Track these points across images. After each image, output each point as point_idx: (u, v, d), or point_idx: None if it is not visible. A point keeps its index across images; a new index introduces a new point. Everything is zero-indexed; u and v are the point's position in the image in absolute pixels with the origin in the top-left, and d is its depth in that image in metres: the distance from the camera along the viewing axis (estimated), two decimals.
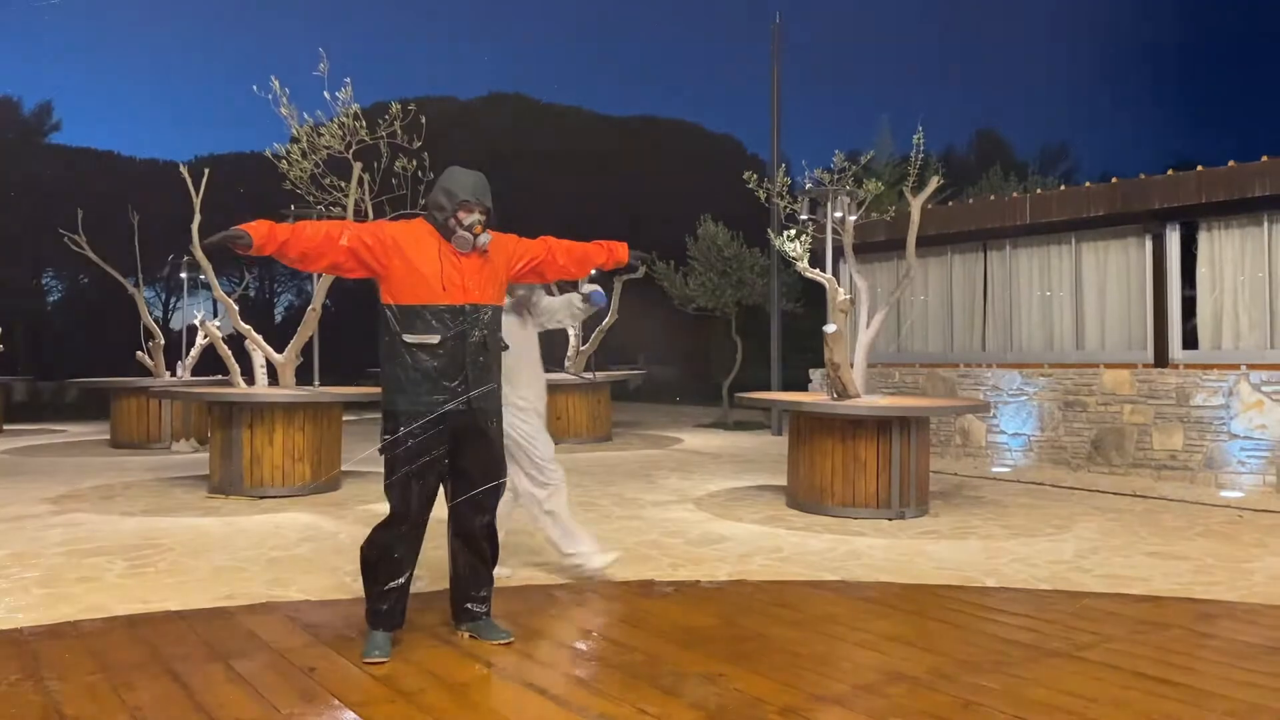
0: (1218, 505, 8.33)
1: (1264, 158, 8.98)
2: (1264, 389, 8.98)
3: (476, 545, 4.32)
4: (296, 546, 6.48)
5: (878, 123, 25.24)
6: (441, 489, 4.28)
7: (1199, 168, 9.47)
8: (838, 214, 8.52)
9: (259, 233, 3.94)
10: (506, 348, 4.31)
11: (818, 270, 8.34)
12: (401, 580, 4.13)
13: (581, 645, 4.30)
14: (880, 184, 9.02)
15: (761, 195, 9.45)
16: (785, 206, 9.50)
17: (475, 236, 4.10)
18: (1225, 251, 9.55)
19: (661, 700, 3.54)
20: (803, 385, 13.11)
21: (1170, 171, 9.68)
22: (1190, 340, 9.82)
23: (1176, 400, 9.56)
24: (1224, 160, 9.22)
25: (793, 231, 8.27)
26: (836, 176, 8.78)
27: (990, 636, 4.40)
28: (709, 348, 23.58)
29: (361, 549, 4.18)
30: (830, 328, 7.84)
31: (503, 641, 4.19)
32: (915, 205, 8.62)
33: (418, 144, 8.21)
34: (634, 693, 3.62)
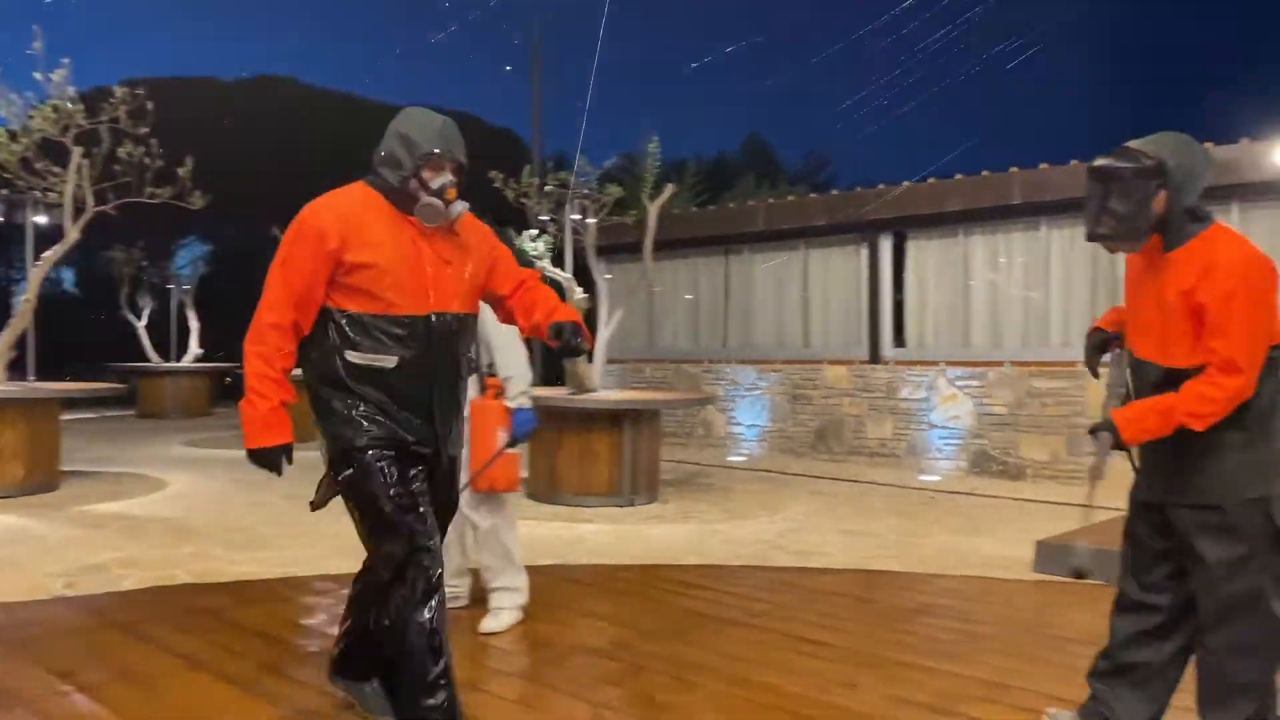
0: (916, 488, 9.24)
1: (958, 175, 10.04)
2: (958, 383, 10.03)
3: None
4: None
5: (644, 128, 26.06)
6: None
7: (905, 183, 10.47)
8: (575, 215, 8.86)
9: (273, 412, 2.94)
10: (475, 371, 3.25)
11: (558, 270, 8.64)
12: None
13: (283, 635, 4.37)
14: (620, 188, 9.42)
15: (510, 195, 9.66)
16: (534, 205, 9.75)
17: (447, 204, 2.97)
18: (928, 259, 10.59)
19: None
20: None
21: (881, 186, 10.64)
22: (900, 339, 10.82)
23: (886, 394, 10.52)
24: (979, 169, 10.09)
25: (534, 231, 8.54)
26: (578, 179, 9.12)
27: (676, 609, 4.81)
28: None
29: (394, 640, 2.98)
30: None
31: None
32: (652, 210, 9.09)
33: (144, 129, 7.89)
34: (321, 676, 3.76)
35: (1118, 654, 3.02)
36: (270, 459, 2.95)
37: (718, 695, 3.61)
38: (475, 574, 4.74)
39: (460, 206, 3.00)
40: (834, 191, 11.28)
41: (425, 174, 2.95)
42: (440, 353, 2.99)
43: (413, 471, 2.99)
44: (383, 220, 2.95)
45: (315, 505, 3.07)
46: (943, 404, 10.11)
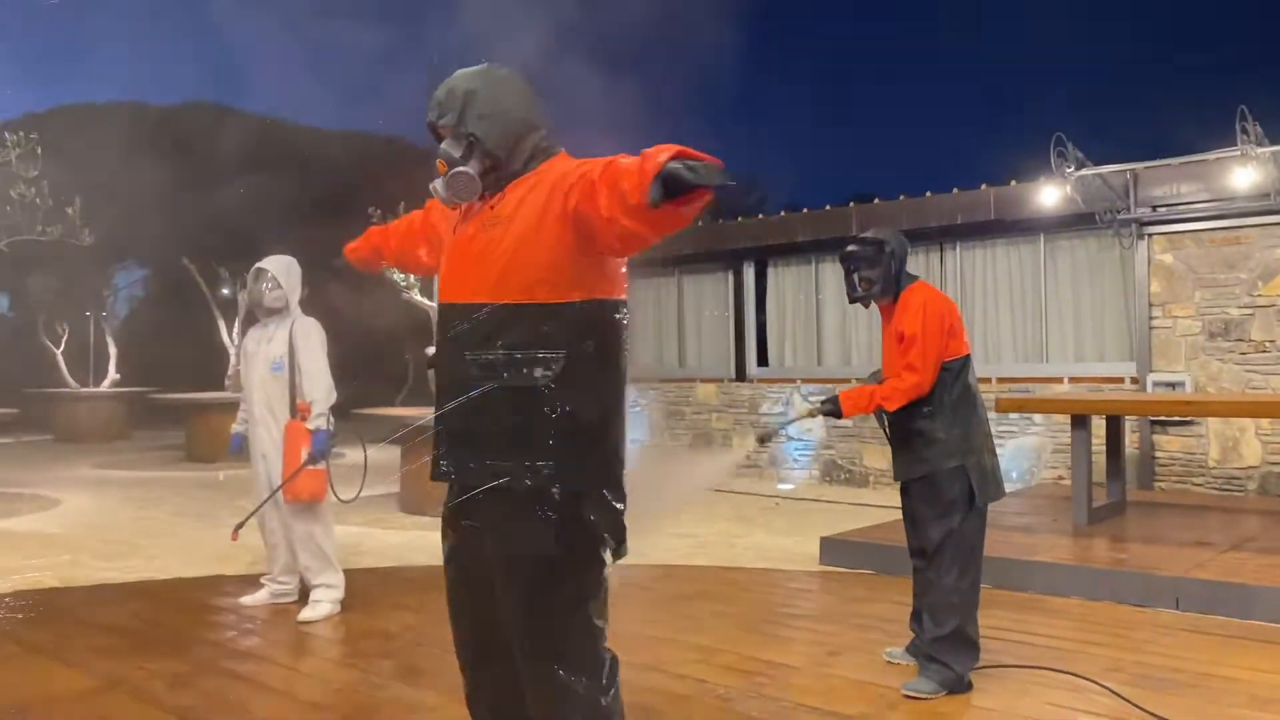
0: (768, 495, 10.05)
1: (804, 209, 10.97)
2: (811, 399, 10.91)
3: None
4: None
5: None
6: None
7: (759, 215, 11.38)
8: None
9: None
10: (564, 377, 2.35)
11: (425, 299, 9.34)
12: None
13: (127, 626, 5.04)
14: None
15: None
16: None
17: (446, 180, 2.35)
18: (786, 286, 11.50)
19: None
20: None
21: (739, 219, 11.54)
22: (762, 359, 11.70)
23: (749, 409, 11.38)
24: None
25: None
26: None
27: None
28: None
29: None
30: None
31: None
32: None
33: (34, 172, 8.45)
34: (139, 655, 4.45)
35: (915, 602, 4.16)
36: None
37: None
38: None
39: (445, 183, 2.32)
40: (698, 223, 12.16)
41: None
42: (448, 352, 2.37)
43: (454, 570, 2.61)
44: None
45: None
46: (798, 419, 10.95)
